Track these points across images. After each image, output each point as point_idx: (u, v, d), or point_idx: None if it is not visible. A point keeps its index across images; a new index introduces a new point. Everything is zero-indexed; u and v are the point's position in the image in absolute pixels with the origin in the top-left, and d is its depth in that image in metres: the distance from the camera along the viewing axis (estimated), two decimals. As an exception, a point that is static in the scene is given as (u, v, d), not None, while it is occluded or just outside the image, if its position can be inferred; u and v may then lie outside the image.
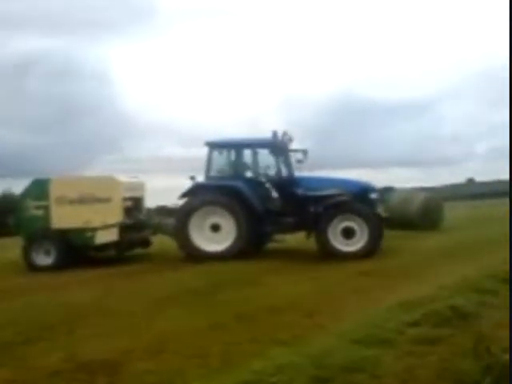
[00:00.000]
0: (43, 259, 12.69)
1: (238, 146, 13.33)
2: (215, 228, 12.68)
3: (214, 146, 13.17)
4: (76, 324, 6.80)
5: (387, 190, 19.14)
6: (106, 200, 12.78)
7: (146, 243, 14.25)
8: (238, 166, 13.27)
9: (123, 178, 13.65)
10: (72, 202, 12.83)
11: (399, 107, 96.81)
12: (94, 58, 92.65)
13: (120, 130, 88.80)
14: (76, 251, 12.83)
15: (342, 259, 11.34)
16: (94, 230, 12.56)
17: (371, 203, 12.57)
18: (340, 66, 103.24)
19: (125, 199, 13.14)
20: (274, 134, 12.94)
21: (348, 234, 11.81)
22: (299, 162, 12.68)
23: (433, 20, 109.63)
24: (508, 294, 7.07)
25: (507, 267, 8.83)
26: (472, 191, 54.87)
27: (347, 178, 13.53)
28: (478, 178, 68.91)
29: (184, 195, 12.88)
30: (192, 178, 13.02)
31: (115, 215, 12.79)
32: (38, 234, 12.89)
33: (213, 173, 13.16)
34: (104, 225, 12.52)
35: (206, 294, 8.40)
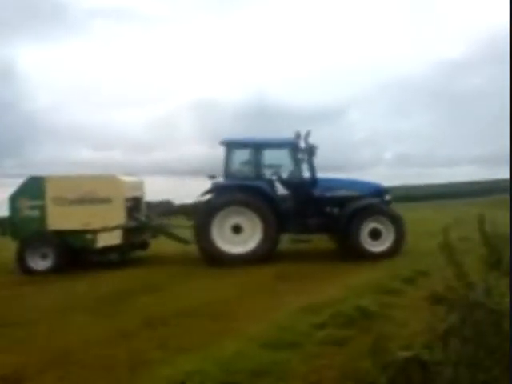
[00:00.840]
0: (39, 263, 11.82)
1: (259, 146, 12.74)
2: (236, 229, 12.09)
3: (232, 145, 12.75)
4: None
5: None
6: (108, 200, 11.98)
7: (144, 246, 13.54)
8: (258, 166, 12.68)
9: (125, 177, 12.82)
10: (71, 202, 11.94)
11: (309, 114, 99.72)
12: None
13: (22, 133, 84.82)
14: (75, 254, 12.02)
15: (371, 259, 11.32)
16: (95, 232, 11.82)
17: (386, 204, 12.77)
18: (254, 70, 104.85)
19: (126, 199, 12.39)
20: (297, 134, 12.73)
21: (375, 235, 11.97)
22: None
23: (347, 29, 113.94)
24: (411, 293, 7.42)
25: (412, 267, 9.30)
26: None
27: (363, 179, 13.51)
28: (386, 183, 72.08)
29: (206, 194, 12.31)
30: (212, 177, 12.51)
31: (117, 217, 12.05)
32: (34, 236, 11.93)
33: (231, 172, 12.65)
34: (106, 227, 11.80)
35: (116, 300, 8.16)
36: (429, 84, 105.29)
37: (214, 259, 11.76)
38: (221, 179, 12.56)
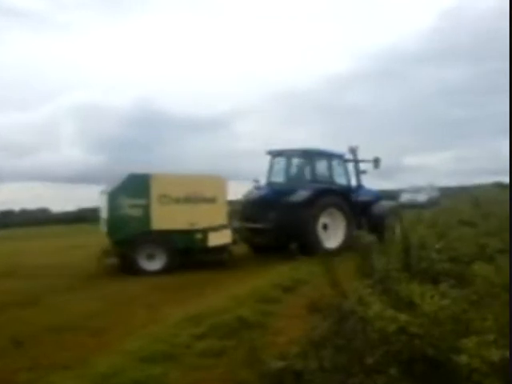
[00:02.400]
0: (147, 264, 11.24)
1: (328, 156, 14.95)
2: (324, 227, 13.76)
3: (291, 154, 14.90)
4: None
5: None
6: (212, 200, 11.82)
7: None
8: (330, 175, 14.80)
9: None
10: (176, 200, 11.45)
11: (196, 122, 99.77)
12: None
13: None
14: (184, 254, 11.60)
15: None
16: (205, 231, 11.62)
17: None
18: (141, 75, 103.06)
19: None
20: (351, 149, 15.24)
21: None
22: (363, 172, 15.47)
23: (238, 38, 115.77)
24: (290, 301, 7.62)
25: (289, 276, 9.56)
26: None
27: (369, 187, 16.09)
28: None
29: (310, 195, 13.49)
30: (256, 181, 14.44)
31: (221, 216, 11.99)
32: (140, 235, 11.16)
33: (273, 179, 14.91)
34: (214, 226, 11.77)
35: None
36: (316, 96, 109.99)
37: (314, 252, 11.70)
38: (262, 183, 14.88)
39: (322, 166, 14.74)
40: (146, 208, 11.23)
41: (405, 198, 37.08)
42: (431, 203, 35.21)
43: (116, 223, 11.20)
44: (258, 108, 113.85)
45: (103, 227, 11.92)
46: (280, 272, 10.31)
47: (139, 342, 5.66)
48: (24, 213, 46.80)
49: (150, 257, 11.36)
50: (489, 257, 6.28)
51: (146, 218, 11.21)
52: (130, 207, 11.16)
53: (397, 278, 4.94)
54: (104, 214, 11.73)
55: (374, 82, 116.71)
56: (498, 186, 26.62)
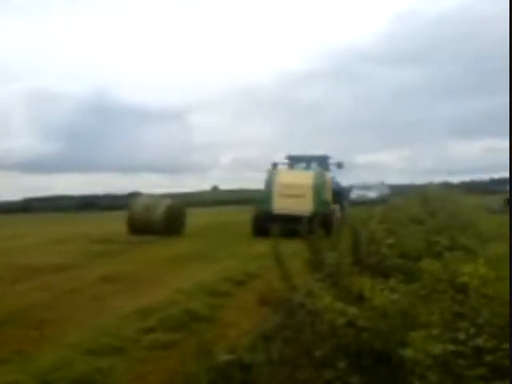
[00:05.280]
0: None
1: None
2: None
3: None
4: None
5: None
6: None
7: None
8: None
9: None
10: None
11: (152, 114, 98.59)
12: None
13: None
14: None
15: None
16: None
17: None
18: (97, 63, 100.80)
19: None
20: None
21: None
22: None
23: (197, 33, 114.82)
24: (241, 295, 7.60)
25: (241, 270, 9.54)
26: (217, 198, 58.41)
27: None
28: (223, 186, 73.99)
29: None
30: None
31: None
32: None
33: None
34: None
35: None
36: (271, 92, 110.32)
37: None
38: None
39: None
40: None
41: (355, 194, 37.63)
42: (381, 200, 35.90)
43: None
44: (214, 102, 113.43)
45: None
46: (228, 265, 10.30)
47: (85, 335, 5.50)
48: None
49: None
50: (437, 253, 6.43)
51: None
52: None
53: (347, 271, 4.98)
54: None
55: (328, 80, 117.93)
56: (446, 185, 27.49)
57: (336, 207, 17.99)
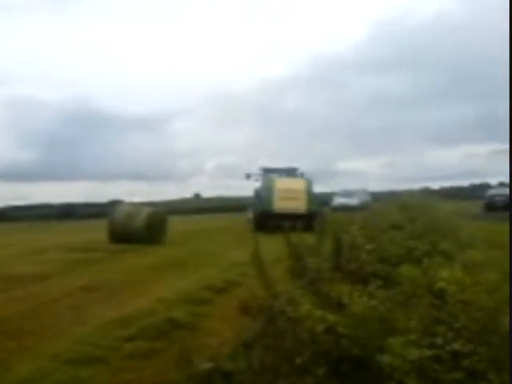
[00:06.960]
0: None
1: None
2: None
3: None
4: None
5: None
6: None
7: None
8: None
9: None
10: None
11: (132, 121, 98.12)
12: None
13: None
14: None
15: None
16: None
17: None
18: (79, 71, 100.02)
19: None
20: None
21: None
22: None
23: (180, 39, 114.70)
24: (223, 303, 7.58)
25: (222, 278, 9.51)
26: (199, 206, 58.27)
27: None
28: (205, 194, 73.94)
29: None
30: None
31: None
32: None
33: None
34: None
35: None
36: (252, 99, 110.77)
37: None
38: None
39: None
40: None
41: (337, 201, 37.84)
42: (363, 207, 36.19)
43: None
44: (195, 109, 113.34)
45: None
46: (209, 273, 10.27)
47: (64, 345, 5.45)
48: None
49: None
50: (416, 259, 6.49)
51: None
52: None
53: (328, 278, 5.02)
54: None
55: (309, 87, 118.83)
56: (426, 191, 27.85)
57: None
